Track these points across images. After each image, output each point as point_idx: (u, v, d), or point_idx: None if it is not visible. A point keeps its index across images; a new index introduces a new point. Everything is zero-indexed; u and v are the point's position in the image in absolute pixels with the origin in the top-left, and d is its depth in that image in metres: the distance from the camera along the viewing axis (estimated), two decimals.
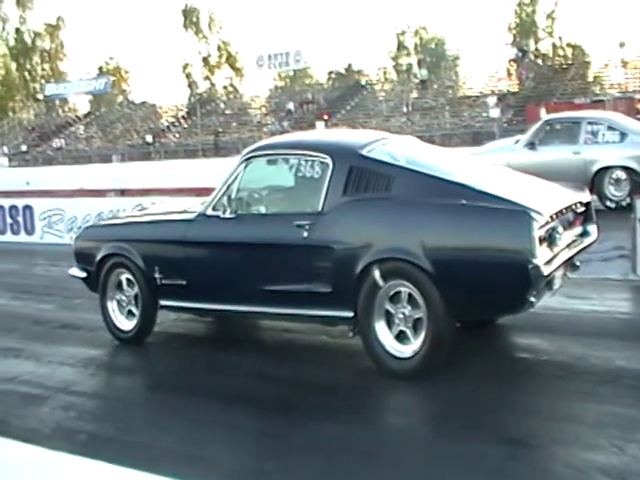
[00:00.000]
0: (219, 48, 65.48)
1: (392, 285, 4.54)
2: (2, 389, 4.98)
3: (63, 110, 57.77)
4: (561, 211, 4.74)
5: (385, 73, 60.86)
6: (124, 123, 48.30)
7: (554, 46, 58.46)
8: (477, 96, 40.59)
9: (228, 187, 5.28)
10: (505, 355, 5.05)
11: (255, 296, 5.11)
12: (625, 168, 11.19)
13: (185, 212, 5.77)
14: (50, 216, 12.17)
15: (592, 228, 5.28)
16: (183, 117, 47.15)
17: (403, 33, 63.79)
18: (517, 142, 12.69)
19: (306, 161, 5.06)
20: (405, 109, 39.48)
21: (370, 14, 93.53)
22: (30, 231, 12.41)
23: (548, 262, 4.38)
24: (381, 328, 4.61)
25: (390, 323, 4.60)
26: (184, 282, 5.44)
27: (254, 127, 40.37)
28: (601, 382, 4.29)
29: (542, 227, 4.34)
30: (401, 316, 4.54)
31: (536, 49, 54.89)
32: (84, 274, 6.13)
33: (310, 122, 35.14)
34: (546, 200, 4.71)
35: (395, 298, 4.57)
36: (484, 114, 36.80)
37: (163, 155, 38.84)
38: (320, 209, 4.82)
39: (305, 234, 4.78)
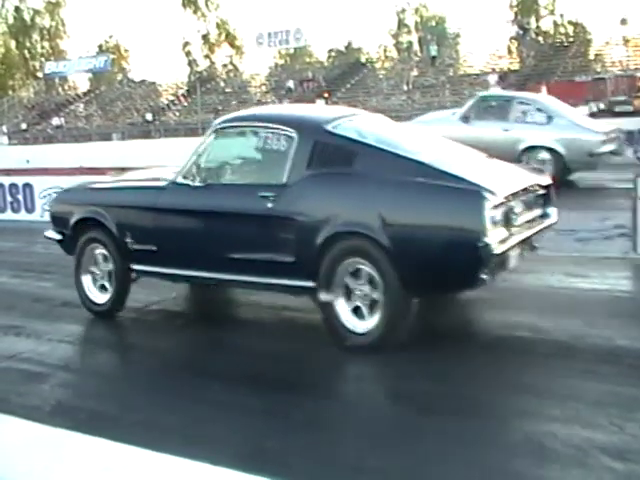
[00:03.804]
0: (218, 26, 65.10)
1: (353, 262, 4.65)
2: (2, 367, 4.99)
3: (63, 88, 57.48)
4: (518, 192, 4.81)
5: (385, 51, 60.55)
6: (124, 101, 48.09)
7: (555, 24, 57.99)
8: (478, 74, 40.26)
9: (198, 156, 5.41)
10: (503, 333, 5.06)
11: (221, 264, 5.23)
12: (549, 149, 11.51)
13: (159, 179, 5.85)
14: (50, 194, 12.14)
15: (552, 210, 5.38)
16: (183, 95, 46.93)
17: (403, 11, 63.36)
18: (454, 114, 13.14)
19: (273, 134, 5.15)
20: (405, 87, 39.30)
21: None
22: (30, 209, 12.41)
23: (501, 241, 4.47)
24: (339, 302, 4.72)
25: (349, 298, 4.71)
26: (154, 247, 5.56)
27: (254, 105, 40.23)
28: (601, 361, 4.29)
29: (496, 207, 4.43)
30: (359, 293, 4.66)
31: (537, 27, 54.49)
32: (59, 237, 6.26)
33: (310, 100, 34.97)
34: (503, 181, 4.84)
35: (356, 274, 4.67)
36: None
37: (163, 133, 38.71)
38: (284, 181, 4.94)
39: (269, 205, 4.91)
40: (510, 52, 45.71)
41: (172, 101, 46.84)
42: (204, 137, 5.60)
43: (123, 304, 5.92)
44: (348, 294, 4.71)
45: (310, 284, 4.82)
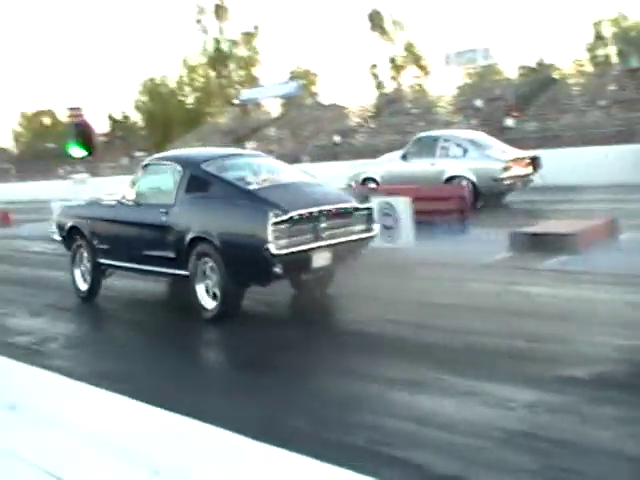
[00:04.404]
0: (405, 48, 65.54)
1: (204, 259, 6.79)
2: None
3: (256, 114, 60.31)
4: (320, 211, 6.68)
5: (580, 66, 57.99)
6: (313, 124, 49.61)
7: None
8: None
9: (133, 184, 7.88)
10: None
11: (139, 258, 7.55)
12: (464, 178, 13.86)
13: (118, 199, 8.07)
14: None
15: (375, 226, 7.36)
16: (370, 117, 47.64)
17: (599, 23, 60.46)
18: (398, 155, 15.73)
19: (170, 169, 7.50)
20: (602, 102, 37.35)
21: (562, 6, 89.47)
22: None
23: (285, 246, 6.36)
24: (200, 287, 6.88)
25: (205, 284, 6.85)
26: (107, 247, 8.06)
27: (441, 126, 39.99)
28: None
29: (283, 222, 6.35)
30: (209, 281, 6.81)
31: None
32: (60, 238, 8.88)
33: (498, 119, 34.22)
34: (304, 204, 6.63)
35: (207, 267, 6.80)
36: None
37: (350, 155, 39.44)
38: (173, 202, 7.21)
39: (163, 218, 7.19)
40: None
41: (359, 123, 47.64)
42: (137, 171, 8.09)
43: (96, 293, 8.36)
44: (204, 281, 6.84)
45: (185, 273, 6.99)
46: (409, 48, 65.47)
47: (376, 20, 65.39)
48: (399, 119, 43.46)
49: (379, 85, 65.36)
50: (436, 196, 11.91)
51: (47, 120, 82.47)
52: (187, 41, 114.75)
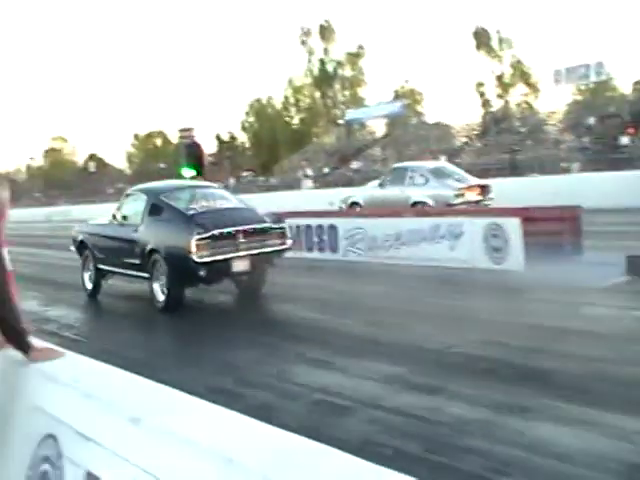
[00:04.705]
0: (512, 65, 64.44)
1: (157, 265, 9.16)
2: (315, 399, 5.28)
3: (361, 133, 60.61)
4: (237, 230, 8.97)
5: None
6: (418, 144, 49.43)
7: None
8: None
9: (118, 208, 10.51)
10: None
11: (120, 264, 10.08)
12: (424, 203, 16.21)
13: (110, 219, 10.64)
14: (353, 235, 12.77)
15: (288, 241, 9.52)
16: (476, 136, 47.06)
17: None
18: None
19: (141, 197, 10.09)
20: None
21: None
22: (334, 249, 13.12)
23: (207, 256, 8.65)
24: (155, 286, 9.27)
25: (159, 284, 9.21)
26: (102, 256, 10.59)
27: (551, 145, 39.01)
28: None
29: (206, 237, 8.69)
30: (159, 282, 9.19)
31: None
32: (74, 249, 11.43)
33: (612, 137, 33.05)
34: (225, 224, 8.96)
35: (159, 271, 9.16)
36: None
37: None
38: (140, 222, 9.68)
39: (134, 234, 9.63)
40: None
41: (465, 142, 47.11)
42: (121, 198, 11.00)
43: (98, 292, 10.94)
44: (158, 282, 9.22)
45: (147, 275, 9.40)
46: (516, 65, 64.32)
47: (482, 37, 64.63)
48: (506, 138, 42.66)
49: (485, 103, 64.44)
50: (548, 217, 11.57)
51: (158, 141, 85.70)
52: (292, 62, 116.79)
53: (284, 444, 2.07)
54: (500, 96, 64.39)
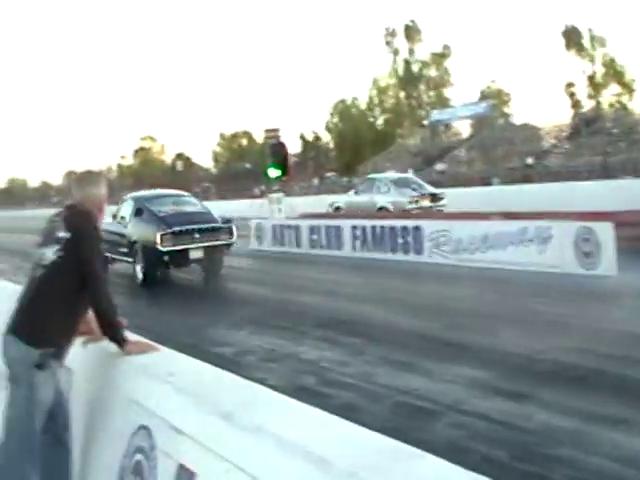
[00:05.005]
0: (605, 65, 62.46)
1: (139, 252, 12.21)
2: (398, 401, 5.24)
3: (446, 135, 59.96)
4: (193, 228, 12.08)
5: None
6: (505, 145, 48.53)
7: None
8: None
9: (117, 210, 13.28)
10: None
11: (119, 253, 12.50)
12: (387, 208, 19.42)
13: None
14: (438, 237, 12.64)
15: (234, 237, 12.62)
16: (566, 138, 45.85)
17: None
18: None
19: (130, 202, 13.19)
20: None
21: None
22: (418, 250, 13.01)
23: (169, 246, 11.69)
24: (137, 267, 12.21)
25: (140, 266, 12.15)
26: (106, 245, 12.07)
27: None
28: None
29: (168, 233, 11.76)
30: (140, 265, 12.11)
31: None
32: None
33: None
34: (185, 223, 12.15)
35: (139, 258, 12.24)
36: None
37: (543, 177, 38.09)
38: (128, 220, 12.72)
39: (124, 230, 12.54)
40: None
41: (554, 144, 45.98)
42: (119, 203, 13.82)
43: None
44: (139, 264, 12.13)
45: (132, 260, 12.32)
46: (609, 64, 62.31)
47: (572, 36, 62.87)
48: (598, 140, 41.39)
49: (575, 104, 62.68)
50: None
51: (244, 141, 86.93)
52: (377, 62, 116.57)
53: (376, 446, 2.06)
54: (591, 96, 62.50)
